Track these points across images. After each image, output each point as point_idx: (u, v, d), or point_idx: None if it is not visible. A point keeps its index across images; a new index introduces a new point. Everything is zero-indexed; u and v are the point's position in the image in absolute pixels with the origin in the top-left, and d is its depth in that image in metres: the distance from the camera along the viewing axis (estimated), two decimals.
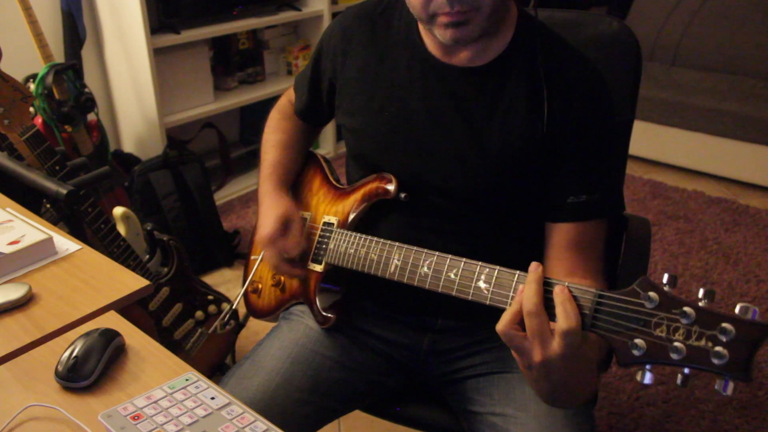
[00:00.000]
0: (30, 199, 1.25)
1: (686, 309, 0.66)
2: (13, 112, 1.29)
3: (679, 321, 0.66)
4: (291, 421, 1.00)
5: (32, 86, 2.10)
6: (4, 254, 0.98)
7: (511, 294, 0.80)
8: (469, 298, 0.85)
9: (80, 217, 1.38)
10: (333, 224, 1.07)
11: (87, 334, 0.81)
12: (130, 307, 1.08)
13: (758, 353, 0.63)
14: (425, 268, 0.91)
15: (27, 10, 2.04)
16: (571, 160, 0.95)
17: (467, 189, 0.98)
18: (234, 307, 1.25)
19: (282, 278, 1.14)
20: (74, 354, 0.78)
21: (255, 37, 3.10)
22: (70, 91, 2.16)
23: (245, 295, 1.21)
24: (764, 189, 3.02)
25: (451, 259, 0.88)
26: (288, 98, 1.28)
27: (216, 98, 2.86)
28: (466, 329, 1.08)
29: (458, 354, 1.09)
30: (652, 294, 0.68)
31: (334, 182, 1.16)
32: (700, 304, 0.66)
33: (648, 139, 3.19)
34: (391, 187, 1.02)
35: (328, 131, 3.40)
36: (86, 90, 2.24)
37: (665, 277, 0.69)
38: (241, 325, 1.89)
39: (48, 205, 1.55)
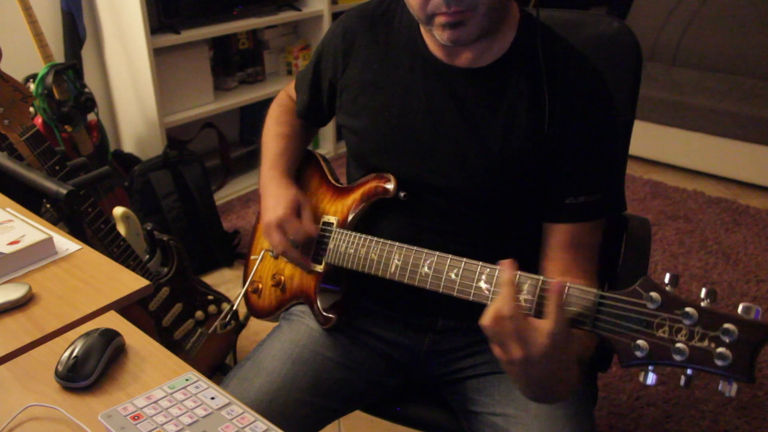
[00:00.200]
0: (30, 199, 1.25)
1: (688, 309, 0.65)
2: (13, 112, 1.29)
3: (682, 322, 0.66)
4: (291, 421, 0.99)
5: (32, 86, 2.10)
6: (4, 254, 0.97)
7: None
8: (470, 298, 0.85)
9: (80, 217, 1.38)
10: (332, 224, 1.07)
11: (87, 334, 0.81)
12: (130, 307, 1.08)
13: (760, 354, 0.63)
14: (426, 269, 0.90)
15: (27, 10, 2.04)
16: (571, 161, 0.95)
17: (468, 189, 0.98)
18: (234, 307, 1.24)
19: (282, 278, 1.14)
20: (74, 354, 0.78)
21: (255, 37, 3.10)
22: (70, 91, 2.16)
23: (245, 295, 1.21)
24: (764, 189, 3.02)
25: (451, 259, 0.88)
26: (287, 93, 1.28)
27: (216, 98, 2.86)
28: (467, 329, 1.07)
29: (459, 354, 1.09)
30: (654, 294, 0.68)
31: (333, 182, 1.15)
32: (703, 304, 0.66)
33: (648, 139, 3.18)
34: (390, 186, 1.02)
35: (328, 131, 3.39)
36: (86, 90, 2.24)
37: (667, 277, 0.69)
38: (241, 325, 1.89)
39: (48, 205, 1.55)
